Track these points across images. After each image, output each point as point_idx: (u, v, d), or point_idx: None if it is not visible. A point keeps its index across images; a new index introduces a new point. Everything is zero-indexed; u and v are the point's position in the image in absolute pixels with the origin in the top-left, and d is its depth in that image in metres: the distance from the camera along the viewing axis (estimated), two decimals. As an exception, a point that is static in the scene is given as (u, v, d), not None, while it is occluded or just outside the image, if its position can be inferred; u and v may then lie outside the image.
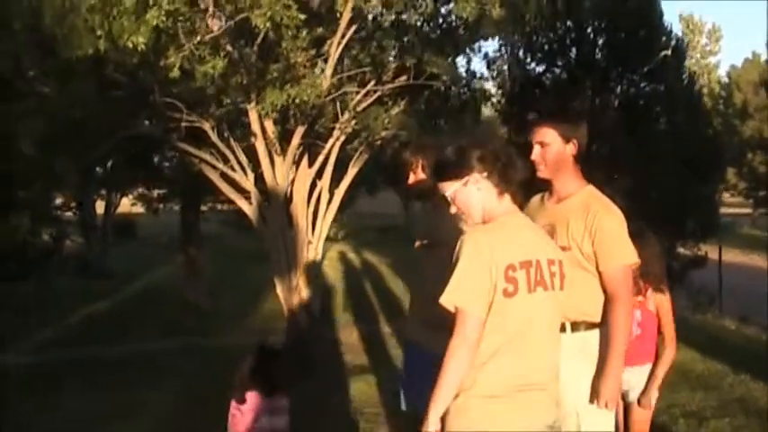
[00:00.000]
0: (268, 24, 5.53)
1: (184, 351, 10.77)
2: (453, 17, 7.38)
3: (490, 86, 9.73)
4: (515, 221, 3.07)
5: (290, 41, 6.71)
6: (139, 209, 25.62)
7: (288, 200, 7.88)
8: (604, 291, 3.63)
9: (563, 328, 3.62)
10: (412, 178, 4.16)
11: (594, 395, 3.57)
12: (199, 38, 5.58)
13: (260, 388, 4.43)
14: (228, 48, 6.03)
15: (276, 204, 7.76)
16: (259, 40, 6.28)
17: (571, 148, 3.74)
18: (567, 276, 3.13)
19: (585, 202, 3.69)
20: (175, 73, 5.43)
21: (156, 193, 20.82)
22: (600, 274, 3.61)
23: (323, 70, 6.75)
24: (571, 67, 11.15)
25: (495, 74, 9.13)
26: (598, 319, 3.65)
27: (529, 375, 3.02)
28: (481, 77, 8.98)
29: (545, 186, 3.97)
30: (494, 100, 10.14)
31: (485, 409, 2.97)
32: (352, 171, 8.60)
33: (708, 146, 11.37)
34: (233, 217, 20.20)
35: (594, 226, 3.59)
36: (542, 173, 3.77)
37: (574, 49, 10.93)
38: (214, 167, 7.76)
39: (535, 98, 11.05)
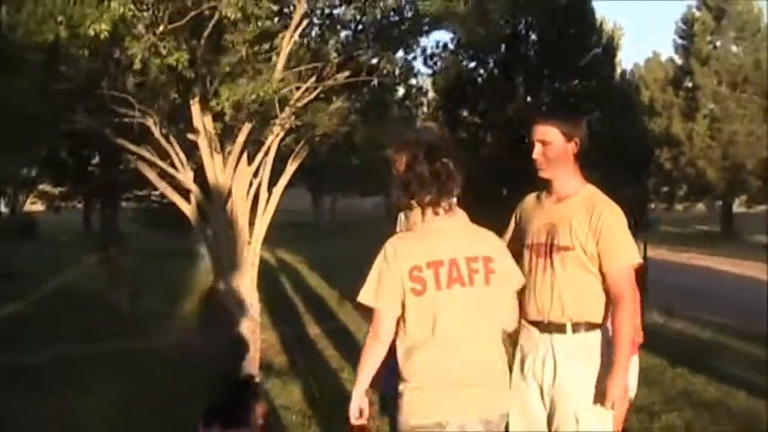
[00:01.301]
0: (239, 15, 5.30)
1: (111, 355, 10.41)
2: (407, 12, 7.24)
3: (427, 83, 9.59)
4: (439, 226, 3.31)
5: (237, 35, 6.47)
6: (39, 207, 24.62)
7: (227, 198, 7.61)
8: (607, 291, 3.57)
9: (562, 329, 3.58)
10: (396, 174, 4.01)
11: (600, 396, 3.51)
12: (162, 28, 5.29)
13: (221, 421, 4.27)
14: (192, 41, 5.73)
15: (217, 203, 7.49)
16: (206, 33, 6.00)
17: (573, 147, 3.68)
18: (497, 272, 3.31)
19: (589, 201, 3.63)
20: (138, 65, 5.14)
21: (58, 190, 19.95)
22: (603, 274, 3.56)
23: (274, 65, 6.49)
24: (503, 64, 11.17)
25: (431, 70, 8.98)
26: (600, 320, 3.61)
27: (453, 369, 3.22)
28: (418, 73, 8.82)
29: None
30: (429, 96, 10.05)
31: (414, 398, 3.25)
32: (290, 168, 8.37)
33: (639, 143, 11.62)
34: (143, 215, 19.53)
35: (599, 226, 3.54)
36: (544, 172, 3.70)
37: (503, 46, 10.91)
38: (153, 165, 7.42)
39: (467, 95, 11.06)
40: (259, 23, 6.00)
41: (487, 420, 3.29)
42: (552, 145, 3.65)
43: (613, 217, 3.59)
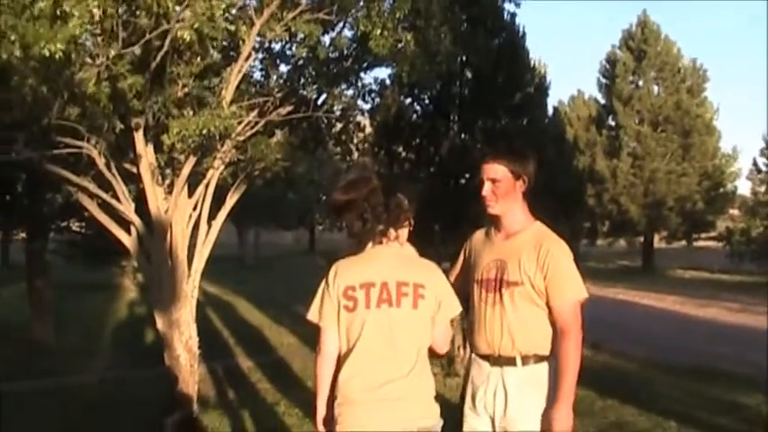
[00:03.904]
0: (194, 37, 5.31)
1: (38, 393, 10.16)
2: (349, 50, 7.35)
3: (364, 118, 9.69)
4: (379, 253, 3.58)
5: (183, 67, 6.50)
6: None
7: (168, 230, 7.57)
8: (553, 324, 3.71)
9: (512, 362, 3.71)
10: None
11: (547, 426, 3.63)
12: (113, 51, 5.25)
13: None
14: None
15: (158, 235, 7.45)
16: (156, 61, 6.01)
17: (521, 185, 3.82)
18: (426, 297, 3.51)
19: (536, 238, 3.77)
20: (91, 89, 5.09)
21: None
22: (550, 308, 3.70)
23: (221, 99, 6.52)
24: (437, 101, 11.36)
25: (370, 106, 9.12)
26: (547, 352, 3.75)
27: (372, 383, 3.45)
28: (353, 108, 8.93)
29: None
30: (366, 132, 10.15)
31: (344, 410, 3.49)
32: (230, 201, 8.37)
33: (573, 180, 11.95)
34: (64, 247, 19.00)
35: (547, 262, 3.68)
36: (492, 209, 3.83)
37: (438, 84, 11.09)
38: (93, 196, 7.35)
39: (402, 131, 11.21)
40: (209, 54, 6.02)
41: None
42: (501, 183, 3.78)
43: (561, 252, 3.74)
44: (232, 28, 5.81)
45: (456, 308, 3.67)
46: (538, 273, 3.68)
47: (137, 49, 5.62)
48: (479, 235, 4.04)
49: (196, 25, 5.27)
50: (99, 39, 5.26)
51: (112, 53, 5.26)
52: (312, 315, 3.62)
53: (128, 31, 5.43)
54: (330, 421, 3.59)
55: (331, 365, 3.60)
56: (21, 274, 19.91)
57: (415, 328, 3.52)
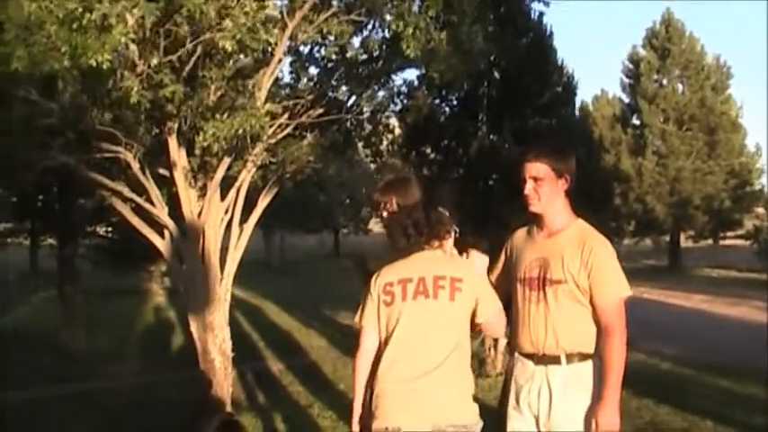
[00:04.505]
0: (235, 47, 5.37)
1: (72, 397, 10.25)
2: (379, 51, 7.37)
3: (393, 120, 9.70)
4: (418, 256, 3.68)
5: (216, 71, 6.53)
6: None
7: (201, 234, 7.61)
8: (597, 323, 3.69)
9: (557, 361, 3.69)
10: (387, 216, 4.12)
11: (593, 426, 3.61)
12: (156, 60, 5.31)
13: None
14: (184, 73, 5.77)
15: (192, 238, 7.49)
16: (189, 67, 6.05)
17: (563, 183, 3.80)
18: (463, 291, 3.57)
19: (580, 236, 3.76)
20: (135, 97, 5.15)
21: (2, 226, 19.39)
22: (594, 306, 3.68)
23: (254, 100, 6.55)
24: (465, 102, 11.34)
25: (399, 108, 9.13)
26: (592, 351, 3.72)
27: (405, 372, 3.50)
28: (384, 110, 8.95)
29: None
30: (396, 133, 10.16)
31: (379, 403, 3.53)
32: (262, 204, 8.40)
33: (600, 178, 11.87)
34: (92, 253, 19.09)
35: (591, 260, 3.66)
36: (535, 207, 3.81)
37: (465, 84, 11.06)
38: (127, 200, 7.41)
39: (431, 133, 11.20)
40: (242, 56, 6.06)
41: (439, 429, 3.43)
42: (544, 181, 3.77)
43: (604, 250, 3.72)
44: (272, 40, 5.86)
45: (496, 305, 3.70)
46: (582, 271, 3.67)
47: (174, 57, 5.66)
48: (521, 233, 4.02)
49: (238, 36, 5.33)
50: (139, 48, 5.30)
51: (154, 62, 5.32)
52: (356, 320, 3.77)
53: (168, 40, 5.48)
54: (367, 417, 3.63)
55: (368, 363, 3.68)
56: (49, 280, 20.13)
57: (452, 320, 3.56)
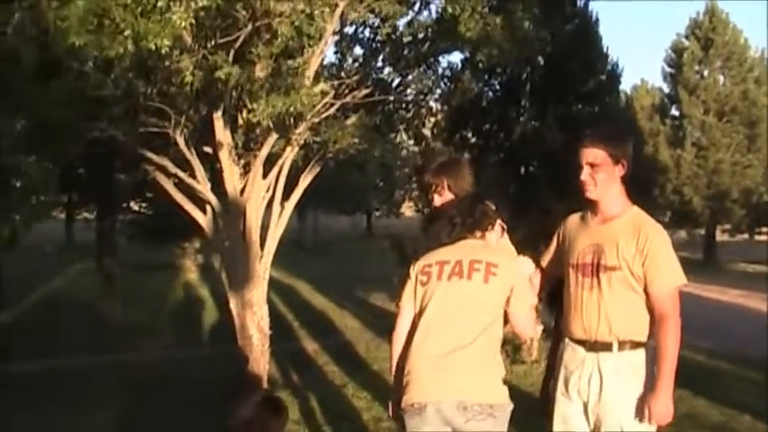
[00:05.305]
0: (293, 33, 5.39)
1: (112, 367, 10.40)
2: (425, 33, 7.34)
3: (435, 103, 9.66)
4: (463, 243, 3.74)
5: (264, 49, 6.53)
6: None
7: (243, 211, 7.64)
8: (651, 310, 3.66)
9: (609, 348, 3.66)
10: (438, 200, 4.10)
11: (644, 413, 3.59)
12: (213, 42, 5.34)
13: None
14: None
15: (234, 215, 7.52)
16: (238, 44, 6.06)
17: (620, 169, 3.75)
18: (498, 275, 3.59)
19: (635, 223, 3.72)
20: (189, 78, 5.19)
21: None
22: (648, 294, 3.64)
23: (304, 79, 6.54)
24: (508, 86, 11.26)
25: (442, 90, 9.08)
26: (644, 339, 3.70)
27: (433, 348, 3.51)
28: (429, 93, 8.91)
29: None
30: (438, 117, 10.12)
31: (409, 379, 3.55)
32: (303, 183, 8.41)
33: (644, 166, 11.73)
34: (128, 227, 19.27)
35: (646, 248, 3.62)
36: (591, 193, 3.77)
37: (508, 69, 10.98)
38: (170, 175, 7.45)
39: (473, 117, 11.15)
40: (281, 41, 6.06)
41: (464, 406, 3.43)
42: (600, 167, 3.72)
43: (660, 238, 3.68)
44: (330, 27, 5.88)
45: (531, 299, 3.72)
46: (637, 258, 3.63)
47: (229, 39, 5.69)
48: (574, 219, 3.98)
49: (296, 22, 5.34)
50: (196, 31, 5.33)
51: (210, 44, 5.36)
52: (396, 301, 3.84)
53: (226, 23, 5.52)
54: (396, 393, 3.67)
55: (401, 342, 3.72)
56: (85, 253, 20.37)
57: (484, 302, 3.58)
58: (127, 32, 4.70)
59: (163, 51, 4.78)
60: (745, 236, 39.63)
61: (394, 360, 3.75)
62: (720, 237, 37.17)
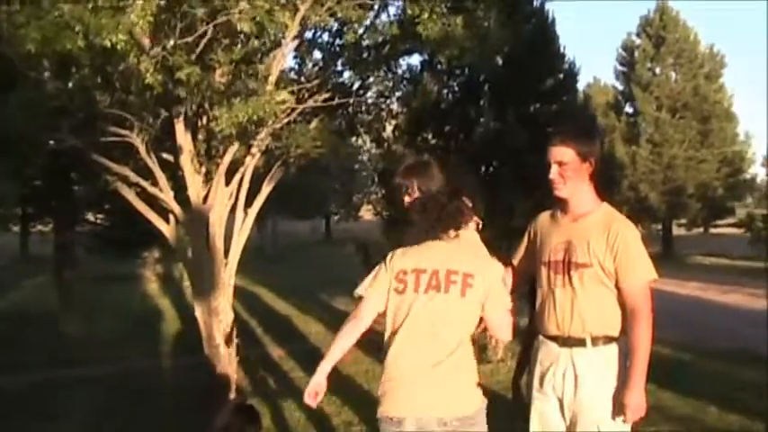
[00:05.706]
0: (253, 29, 5.33)
1: (77, 381, 10.23)
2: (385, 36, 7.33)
3: (396, 106, 9.67)
4: (434, 244, 3.65)
5: (224, 55, 6.48)
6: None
7: (207, 219, 7.58)
8: (623, 305, 3.68)
9: (582, 343, 3.68)
10: (408, 200, 4.09)
11: (619, 408, 3.61)
12: (172, 42, 5.26)
13: None
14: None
15: (198, 223, 7.46)
16: (198, 49, 6.00)
17: (588, 167, 3.78)
18: (474, 286, 3.54)
19: (605, 220, 3.76)
20: (150, 79, 5.10)
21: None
22: (620, 289, 3.67)
23: (265, 85, 6.50)
24: (468, 87, 11.26)
25: (400, 93, 9.10)
26: (617, 334, 3.73)
27: (413, 365, 3.49)
28: (389, 95, 8.92)
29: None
30: (399, 120, 10.12)
31: (388, 387, 3.55)
32: (266, 189, 8.37)
33: (605, 164, 11.70)
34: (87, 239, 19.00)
35: (617, 244, 3.66)
36: (561, 191, 3.79)
37: (467, 69, 10.99)
38: (131, 185, 7.36)
39: (434, 118, 11.13)
40: (255, 40, 6.01)
41: (444, 422, 3.45)
42: (568, 165, 3.75)
43: (630, 234, 3.72)
44: (290, 23, 5.83)
45: (506, 303, 3.68)
46: (608, 254, 3.66)
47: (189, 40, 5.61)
48: (545, 217, 4.00)
49: (257, 18, 5.29)
50: (154, 30, 5.25)
51: (170, 44, 5.27)
52: (361, 289, 3.70)
53: (184, 23, 5.44)
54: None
55: (356, 330, 3.65)
56: (41, 266, 20.05)
57: (461, 316, 3.56)
58: (77, 28, 4.59)
59: (119, 47, 4.66)
60: (701, 230, 40.24)
61: (338, 345, 3.60)
62: (677, 231, 37.69)
